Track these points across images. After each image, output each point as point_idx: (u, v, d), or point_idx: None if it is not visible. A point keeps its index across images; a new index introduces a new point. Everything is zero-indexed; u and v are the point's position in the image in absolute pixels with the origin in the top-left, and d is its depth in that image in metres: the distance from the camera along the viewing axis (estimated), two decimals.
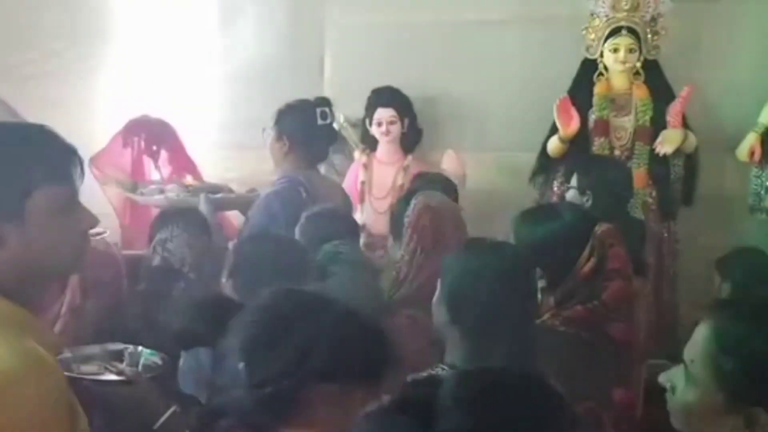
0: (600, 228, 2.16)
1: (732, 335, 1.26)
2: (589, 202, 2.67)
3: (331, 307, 1.24)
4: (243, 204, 3.15)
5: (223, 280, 2.07)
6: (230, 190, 3.30)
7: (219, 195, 3.21)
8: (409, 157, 3.87)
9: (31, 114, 3.65)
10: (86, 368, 1.69)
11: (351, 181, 3.90)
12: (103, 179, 3.25)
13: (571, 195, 2.77)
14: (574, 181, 2.79)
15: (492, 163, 3.87)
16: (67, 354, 1.69)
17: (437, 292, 1.75)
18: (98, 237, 2.60)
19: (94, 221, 1.31)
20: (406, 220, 2.36)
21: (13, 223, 1.24)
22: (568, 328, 2.02)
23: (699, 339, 1.30)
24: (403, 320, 2.18)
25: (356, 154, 3.99)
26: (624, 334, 2.12)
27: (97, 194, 3.35)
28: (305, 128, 2.93)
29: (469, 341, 1.65)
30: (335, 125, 3.94)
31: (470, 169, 3.75)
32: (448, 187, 2.88)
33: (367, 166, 3.89)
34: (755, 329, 1.26)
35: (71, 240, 1.28)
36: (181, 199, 3.12)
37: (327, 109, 2.97)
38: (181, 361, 1.75)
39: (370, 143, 3.92)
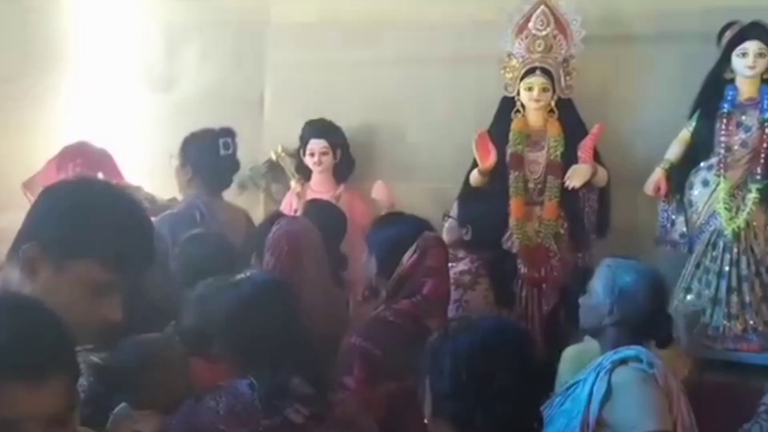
0: (427, 233, 2.47)
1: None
2: (468, 235, 2.85)
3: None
4: (156, 213, 3.25)
5: None
6: (152, 199, 3.41)
7: None
8: (341, 187, 4.04)
9: None
10: None
11: (286, 209, 4.05)
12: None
13: (448, 224, 2.94)
14: (453, 212, 2.96)
15: (421, 194, 3.98)
16: None
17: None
18: None
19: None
20: (267, 242, 2.53)
21: None
22: (396, 319, 2.31)
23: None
24: None
25: (292, 183, 4.16)
26: (439, 325, 2.34)
27: None
28: (207, 157, 3.10)
29: (253, 369, 1.81)
30: (273, 156, 4.20)
31: (400, 198, 3.91)
32: (335, 214, 3.05)
33: (300, 195, 4.04)
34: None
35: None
36: None
37: (229, 140, 3.13)
38: None
39: (305, 173, 4.09)
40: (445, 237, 2.87)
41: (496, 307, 2.82)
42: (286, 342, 1.81)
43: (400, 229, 2.55)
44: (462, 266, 2.81)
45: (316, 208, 3.16)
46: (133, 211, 1.47)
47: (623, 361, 2.04)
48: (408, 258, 2.44)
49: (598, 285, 2.21)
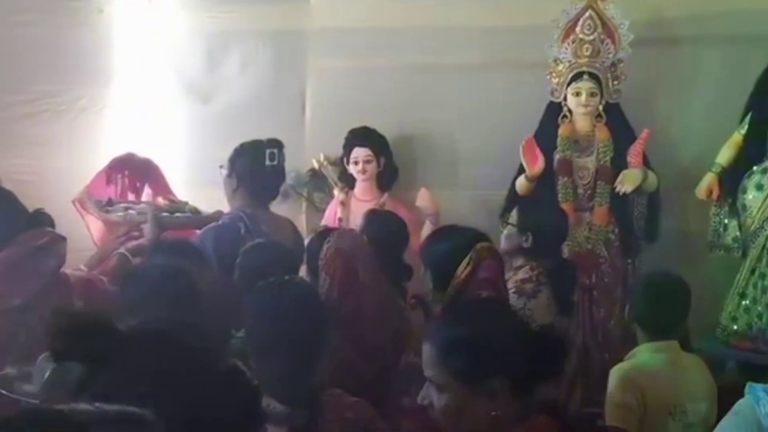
0: (480, 245, 2.42)
1: (444, 344, 1.55)
2: (529, 243, 2.83)
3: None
4: (198, 224, 3.26)
5: None
6: (197, 211, 3.40)
7: (167, 214, 3.25)
8: (385, 195, 4.02)
9: (25, 151, 3.87)
10: (28, 388, 1.73)
11: (329, 217, 4.05)
12: (85, 213, 3.38)
13: (507, 231, 2.92)
14: (513, 219, 2.94)
15: (465, 201, 3.97)
16: (9, 371, 1.77)
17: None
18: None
19: None
20: (320, 262, 2.49)
21: None
22: None
23: (428, 357, 1.56)
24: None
25: (335, 191, 4.14)
26: None
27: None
28: (253, 168, 3.08)
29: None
30: (315, 165, 4.19)
31: (444, 206, 3.88)
32: (397, 224, 3.03)
33: (344, 204, 4.03)
34: (463, 326, 1.59)
35: None
36: (135, 217, 3.21)
37: (275, 151, 3.11)
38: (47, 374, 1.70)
39: (348, 181, 4.07)
40: (504, 244, 2.84)
41: (557, 316, 2.79)
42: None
43: (453, 242, 2.52)
44: (522, 274, 2.78)
45: (376, 218, 3.12)
46: None
47: None
48: (461, 271, 2.40)
49: None
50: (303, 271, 2.82)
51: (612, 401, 2.50)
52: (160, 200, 3.44)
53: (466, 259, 2.41)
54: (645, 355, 2.60)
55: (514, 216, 2.94)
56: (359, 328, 2.31)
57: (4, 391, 1.74)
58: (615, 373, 2.55)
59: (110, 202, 3.35)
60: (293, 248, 3.15)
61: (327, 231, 2.75)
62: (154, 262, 2.24)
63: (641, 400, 2.46)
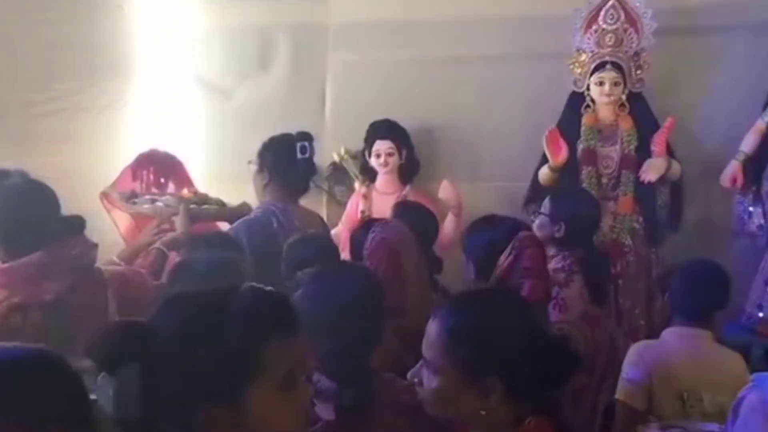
0: (522, 234, 2.43)
1: (450, 328, 1.50)
2: (561, 232, 2.84)
3: None
4: (226, 216, 3.26)
5: None
6: (222, 203, 3.41)
7: (195, 206, 3.24)
8: (407, 188, 4.02)
9: (49, 149, 3.88)
10: None
11: (351, 211, 4.06)
12: (111, 208, 3.39)
13: (539, 221, 2.93)
14: (545, 208, 2.95)
15: (487, 193, 3.97)
16: None
17: None
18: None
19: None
20: (365, 252, 2.49)
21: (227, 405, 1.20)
22: None
23: (432, 337, 1.52)
24: None
25: (356, 185, 4.15)
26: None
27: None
28: (284, 161, 3.08)
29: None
30: (336, 158, 4.20)
31: (466, 198, 3.89)
32: (427, 216, 3.03)
33: (366, 197, 4.03)
34: (475, 316, 1.52)
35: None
36: (164, 209, 3.20)
37: (306, 144, 3.11)
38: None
39: (369, 174, 4.08)
40: (536, 233, 2.84)
41: (590, 305, 2.80)
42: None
43: (494, 232, 2.52)
44: (554, 264, 2.79)
45: (405, 210, 3.12)
46: None
47: None
48: (504, 259, 2.41)
49: None
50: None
51: (621, 375, 2.59)
52: (185, 192, 3.44)
53: (508, 249, 2.41)
54: (667, 337, 2.66)
55: (546, 205, 2.95)
56: (402, 318, 2.31)
57: None
58: (629, 349, 2.65)
59: (134, 194, 3.36)
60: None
61: (371, 221, 2.75)
62: (199, 256, 2.25)
63: (648, 377, 2.49)
